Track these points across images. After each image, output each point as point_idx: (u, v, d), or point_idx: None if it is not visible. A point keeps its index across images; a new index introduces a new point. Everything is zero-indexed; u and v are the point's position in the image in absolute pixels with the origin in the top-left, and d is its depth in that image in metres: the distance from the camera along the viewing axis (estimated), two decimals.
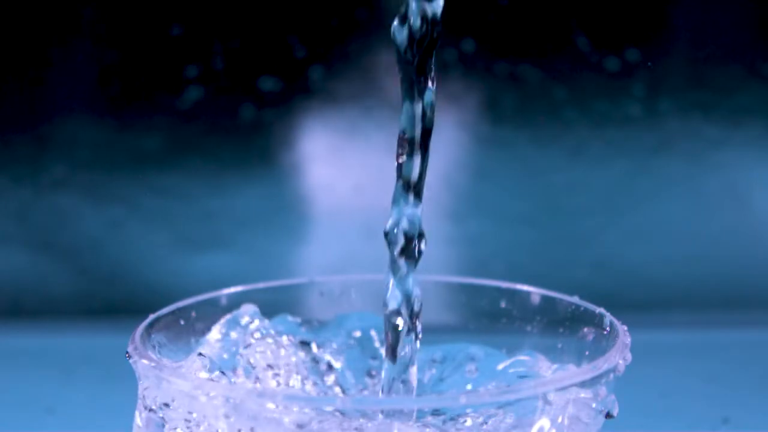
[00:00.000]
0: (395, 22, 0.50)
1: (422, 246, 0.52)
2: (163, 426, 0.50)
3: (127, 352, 0.50)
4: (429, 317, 0.59)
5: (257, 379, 0.54)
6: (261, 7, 0.88)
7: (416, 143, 0.51)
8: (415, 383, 0.53)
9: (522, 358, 0.55)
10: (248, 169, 0.91)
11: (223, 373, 0.53)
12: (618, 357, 0.50)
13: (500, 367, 0.55)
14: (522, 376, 0.54)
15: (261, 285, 0.59)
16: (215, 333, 0.56)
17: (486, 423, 0.49)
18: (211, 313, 0.57)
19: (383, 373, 0.53)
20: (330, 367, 0.57)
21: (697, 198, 0.91)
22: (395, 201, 0.52)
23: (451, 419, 0.49)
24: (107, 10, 0.88)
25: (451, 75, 0.89)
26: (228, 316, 0.57)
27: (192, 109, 0.89)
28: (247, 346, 0.55)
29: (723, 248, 0.91)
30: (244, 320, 0.56)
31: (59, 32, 0.88)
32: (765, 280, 0.92)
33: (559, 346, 0.56)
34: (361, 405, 0.47)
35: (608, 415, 0.50)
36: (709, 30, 0.89)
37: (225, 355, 0.54)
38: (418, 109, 0.51)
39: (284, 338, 0.57)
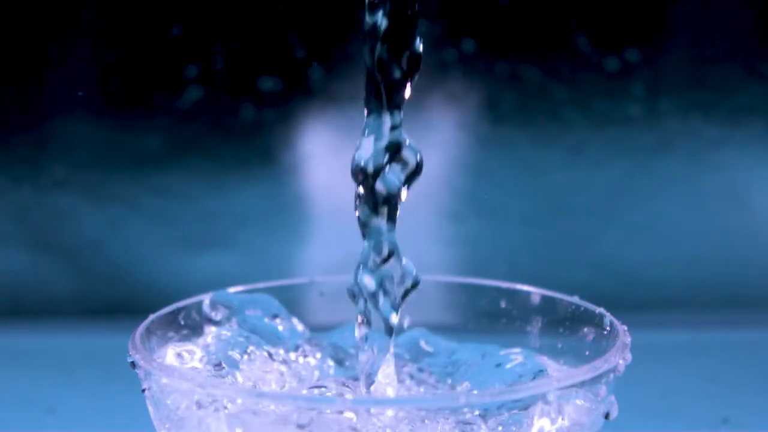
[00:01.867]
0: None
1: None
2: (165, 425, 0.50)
3: (132, 362, 0.50)
4: (429, 317, 0.59)
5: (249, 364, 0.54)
6: (261, 7, 0.88)
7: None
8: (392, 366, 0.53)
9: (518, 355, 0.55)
10: (248, 169, 0.91)
11: (218, 365, 0.53)
12: (618, 357, 0.50)
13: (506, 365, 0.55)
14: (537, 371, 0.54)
15: (261, 285, 0.59)
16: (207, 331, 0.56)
17: (486, 423, 0.49)
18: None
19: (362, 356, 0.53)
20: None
21: (697, 198, 0.91)
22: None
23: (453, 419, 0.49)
24: (107, 10, 0.88)
25: (451, 75, 0.89)
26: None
27: (192, 109, 0.89)
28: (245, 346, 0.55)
29: (723, 248, 0.91)
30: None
31: (59, 32, 0.88)
32: (765, 280, 0.92)
33: (559, 346, 0.56)
34: (360, 405, 0.47)
35: (607, 416, 0.50)
36: (709, 30, 0.89)
37: (221, 346, 0.54)
38: None
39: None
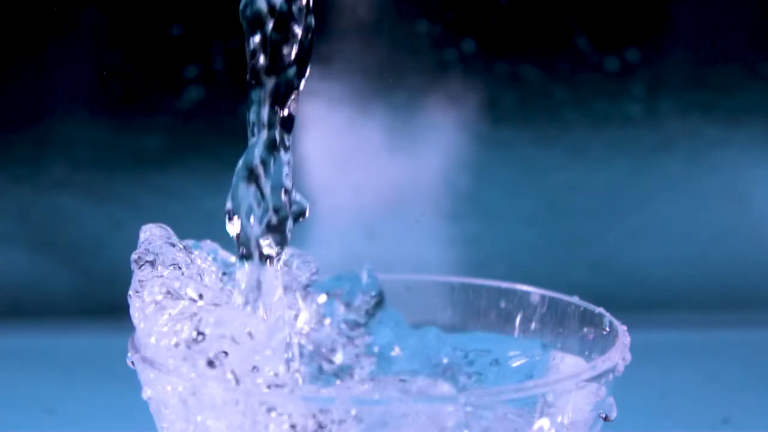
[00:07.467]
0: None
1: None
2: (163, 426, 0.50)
3: (132, 362, 0.50)
4: (429, 317, 0.59)
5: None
6: None
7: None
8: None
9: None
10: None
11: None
12: (618, 357, 0.50)
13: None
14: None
15: None
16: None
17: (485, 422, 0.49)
18: None
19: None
20: None
21: (697, 198, 0.91)
22: None
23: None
24: (107, 10, 0.88)
25: (451, 75, 0.89)
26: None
27: (192, 109, 0.89)
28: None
29: (723, 248, 0.91)
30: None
31: (59, 32, 0.88)
32: (765, 280, 0.92)
33: (559, 346, 0.56)
34: (360, 403, 0.47)
35: (606, 417, 0.50)
36: (709, 30, 0.89)
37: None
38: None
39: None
